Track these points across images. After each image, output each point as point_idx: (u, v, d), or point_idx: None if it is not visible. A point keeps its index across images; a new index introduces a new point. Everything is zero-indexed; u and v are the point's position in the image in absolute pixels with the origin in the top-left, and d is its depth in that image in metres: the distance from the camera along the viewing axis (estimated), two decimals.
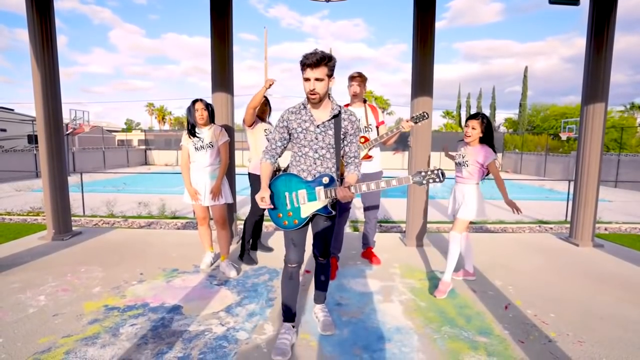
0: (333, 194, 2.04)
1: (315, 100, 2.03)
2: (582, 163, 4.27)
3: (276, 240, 4.37)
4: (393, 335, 2.34)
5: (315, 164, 2.12)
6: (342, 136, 2.12)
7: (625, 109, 28.04)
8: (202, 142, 3.19)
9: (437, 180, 1.92)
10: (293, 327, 2.27)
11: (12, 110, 20.89)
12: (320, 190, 2.07)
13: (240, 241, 3.64)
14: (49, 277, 3.13)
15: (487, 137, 2.89)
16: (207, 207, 3.28)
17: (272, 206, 2.09)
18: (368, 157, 3.39)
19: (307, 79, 1.99)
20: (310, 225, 2.27)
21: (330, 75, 2.01)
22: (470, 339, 2.29)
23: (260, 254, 3.79)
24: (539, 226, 6.32)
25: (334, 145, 2.11)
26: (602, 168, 4.25)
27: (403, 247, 4.20)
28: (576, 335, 2.33)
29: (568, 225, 4.96)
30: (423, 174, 1.97)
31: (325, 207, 2.10)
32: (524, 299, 2.85)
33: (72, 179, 7.13)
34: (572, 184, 4.98)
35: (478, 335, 2.34)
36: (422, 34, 4.01)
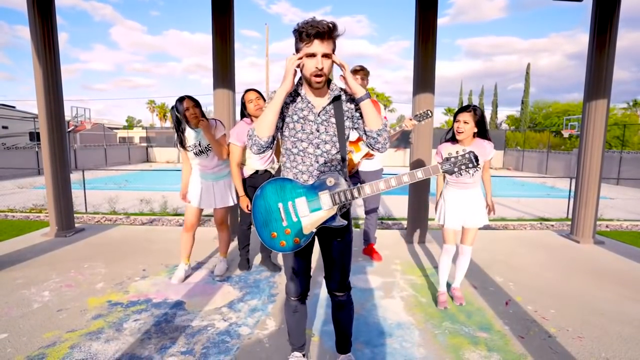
0: (342, 198, 1.59)
1: (320, 85, 1.57)
2: (583, 160, 4.27)
3: None
4: (394, 330, 2.35)
5: (317, 162, 1.66)
6: (345, 123, 1.69)
7: (628, 106, 27.96)
8: (201, 145, 2.95)
9: (471, 165, 1.57)
10: (303, 355, 1.97)
11: (14, 107, 20.92)
12: (325, 196, 1.60)
13: (239, 251, 3.41)
14: (52, 273, 3.16)
15: (482, 131, 2.56)
16: (200, 213, 3.09)
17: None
18: (369, 155, 3.40)
19: (312, 55, 1.50)
20: (320, 249, 1.82)
21: (334, 51, 1.56)
22: (471, 335, 2.31)
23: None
24: (540, 223, 6.32)
25: (339, 138, 1.68)
26: (604, 165, 4.25)
27: (404, 244, 4.22)
28: (576, 331, 2.35)
29: (569, 223, 4.97)
30: (453, 160, 1.59)
31: (334, 216, 1.62)
32: (525, 295, 2.87)
33: (74, 176, 7.14)
34: (573, 181, 4.98)
35: (478, 331, 2.35)
36: (424, 31, 4.00)
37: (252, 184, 3.08)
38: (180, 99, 2.87)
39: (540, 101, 33.14)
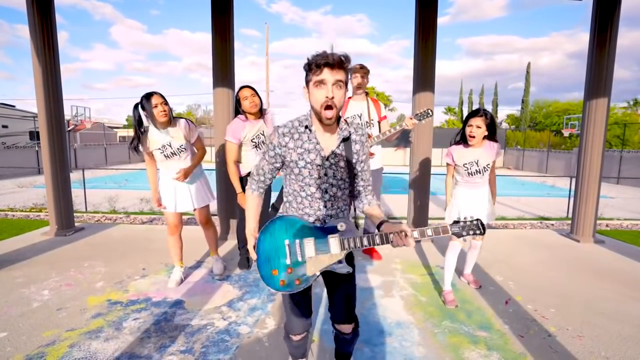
0: (352, 245, 1.53)
1: (331, 121, 1.44)
2: (583, 160, 4.26)
3: None
4: (394, 329, 2.35)
5: (325, 207, 1.59)
6: (354, 163, 1.61)
7: (628, 105, 27.92)
8: (171, 147, 2.70)
9: (478, 232, 1.53)
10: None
11: (14, 106, 20.94)
12: (334, 240, 1.52)
13: (239, 250, 3.43)
14: (52, 272, 3.16)
15: (492, 133, 2.63)
16: (181, 214, 2.96)
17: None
18: (370, 154, 3.39)
19: (320, 83, 1.39)
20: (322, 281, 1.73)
21: (346, 84, 1.45)
22: (471, 334, 2.31)
23: None
24: (541, 222, 6.32)
25: (347, 180, 1.59)
26: (604, 164, 4.25)
27: None
28: (576, 330, 2.34)
29: (569, 222, 4.97)
30: (462, 224, 1.56)
31: (340, 261, 1.56)
32: (525, 294, 2.86)
33: (74, 176, 7.15)
34: (573, 180, 4.98)
35: (478, 330, 2.35)
36: (424, 30, 3.99)
37: None
38: (147, 96, 2.61)
39: (540, 100, 33.13)
